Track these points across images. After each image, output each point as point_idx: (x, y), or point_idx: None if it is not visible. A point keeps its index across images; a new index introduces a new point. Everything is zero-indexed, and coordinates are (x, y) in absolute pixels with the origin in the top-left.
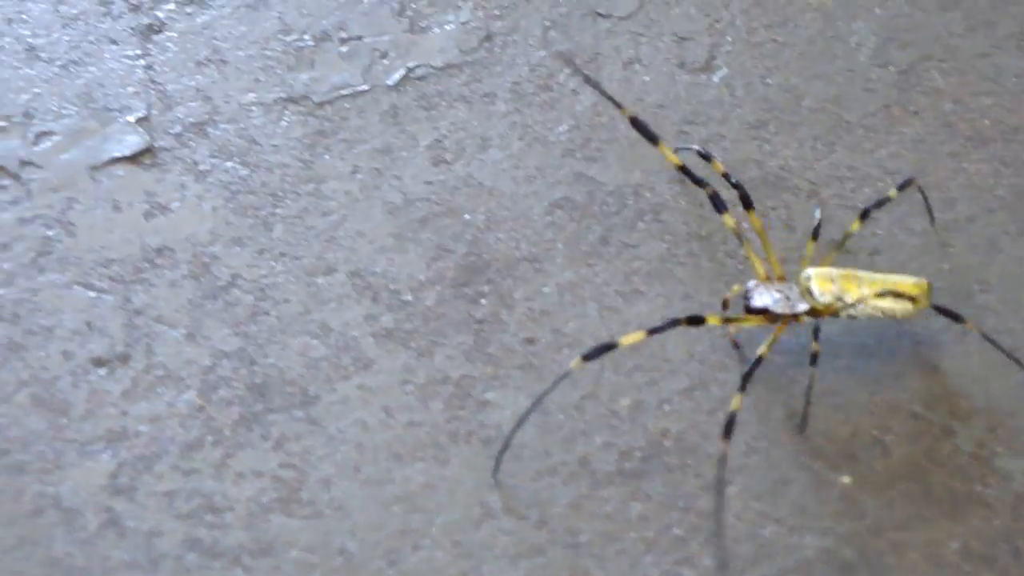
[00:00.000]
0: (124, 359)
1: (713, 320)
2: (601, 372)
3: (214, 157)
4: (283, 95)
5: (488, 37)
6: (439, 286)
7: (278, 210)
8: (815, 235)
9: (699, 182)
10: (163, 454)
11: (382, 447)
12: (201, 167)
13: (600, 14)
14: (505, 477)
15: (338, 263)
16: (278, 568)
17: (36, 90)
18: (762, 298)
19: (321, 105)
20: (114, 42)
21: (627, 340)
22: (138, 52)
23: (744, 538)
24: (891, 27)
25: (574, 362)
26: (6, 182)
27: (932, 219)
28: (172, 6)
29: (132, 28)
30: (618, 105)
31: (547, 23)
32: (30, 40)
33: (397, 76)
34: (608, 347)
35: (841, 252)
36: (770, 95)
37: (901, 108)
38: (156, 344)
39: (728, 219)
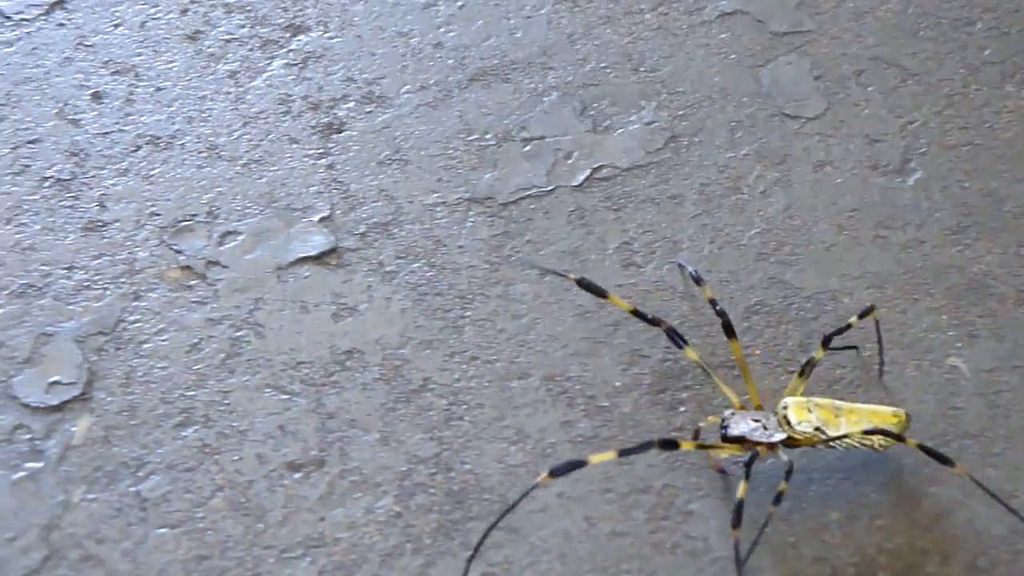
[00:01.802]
0: (319, 464)
1: (688, 446)
2: (808, 484)
3: (400, 258)
4: (467, 195)
5: (673, 138)
6: (636, 392)
7: (467, 312)
8: (802, 373)
9: (654, 322)
10: (363, 562)
11: (586, 558)
12: (387, 268)
13: (788, 115)
14: None
15: (531, 367)
16: None
17: (219, 189)
18: (738, 427)
19: (506, 206)
20: (295, 141)
21: (596, 459)
22: (319, 151)
23: None
24: None
25: (541, 477)
26: (193, 282)
27: (880, 352)
28: (352, 105)
29: (312, 127)
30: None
31: (733, 124)
32: (211, 139)
33: (582, 177)
34: (577, 464)
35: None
36: (969, 199)
37: None
38: (350, 448)
39: (690, 352)
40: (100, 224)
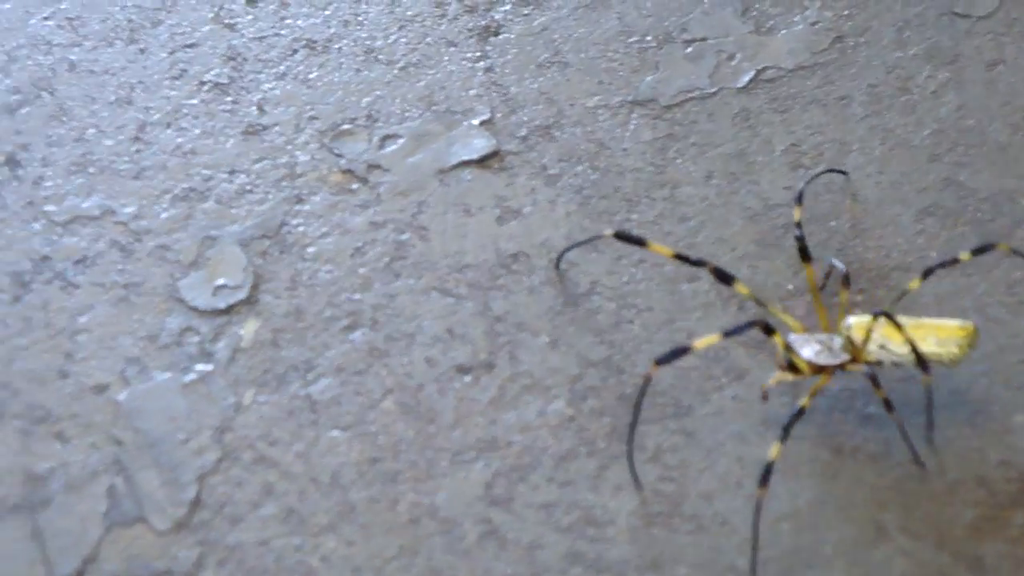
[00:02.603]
0: (489, 367)
1: (779, 339)
2: (990, 387)
3: (563, 161)
4: (629, 98)
5: (839, 38)
6: (808, 296)
7: (633, 215)
8: (847, 284)
9: (698, 263)
10: (537, 465)
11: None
12: (550, 171)
13: (958, 13)
14: (897, 495)
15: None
16: None
17: (377, 92)
18: (803, 350)
19: (669, 108)
20: (452, 44)
21: (701, 343)
22: (477, 54)
23: None
24: None
25: (650, 368)
26: (355, 186)
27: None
28: (508, 7)
29: (469, 30)
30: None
31: (900, 23)
32: (368, 43)
33: (746, 78)
34: (682, 351)
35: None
36: None
37: None
38: (520, 352)
39: (740, 287)
40: (260, 128)
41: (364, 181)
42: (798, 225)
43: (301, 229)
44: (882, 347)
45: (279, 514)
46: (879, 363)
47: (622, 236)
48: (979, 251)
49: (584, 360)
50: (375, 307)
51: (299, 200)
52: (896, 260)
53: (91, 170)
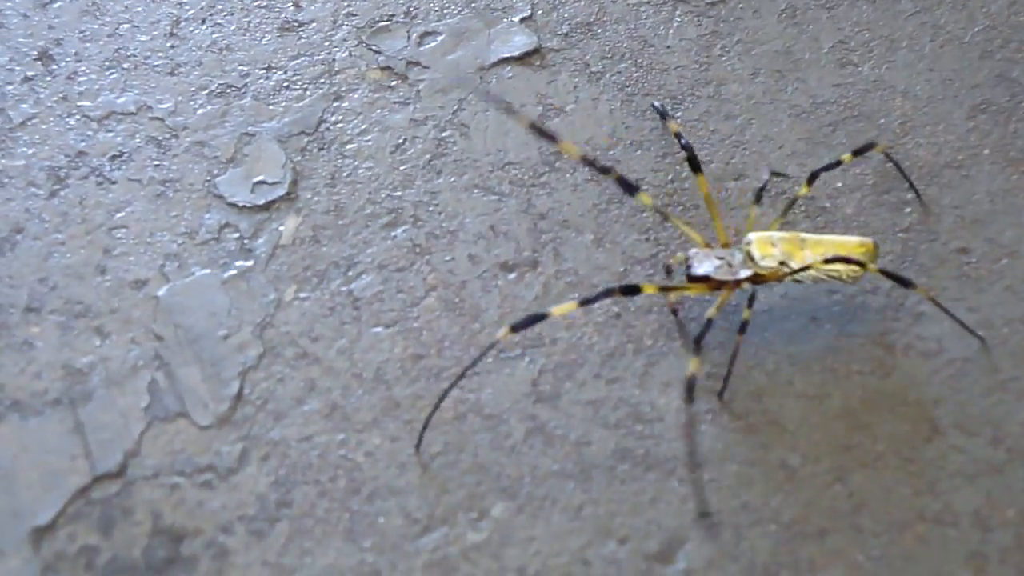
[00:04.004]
0: (533, 264)
1: (649, 289)
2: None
3: (606, 58)
4: None
5: None
6: (858, 193)
7: (678, 113)
8: (758, 199)
9: (604, 170)
10: (584, 362)
11: (814, 358)
12: (593, 68)
13: None
14: (950, 392)
15: (747, 168)
16: (716, 481)
17: None
18: (703, 266)
19: (713, 5)
20: None
21: (559, 310)
22: None
23: None
24: None
25: (502, 332)
26: (394, 82)
27: (911, 185)
28: None
29: None
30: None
31: None
32: None
33: None
34: (538, 317)
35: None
36: None
37: None
38: (564, 249)
39: (644, 198)
40: (296, 24)
41: (403, 78)
42: (677, 136)
43: (340, 126)
44: (782, 264)
45: (322, 410)
46: (779, 280)
47: (535, 129)
48: (858, 152)
49: (629, 257)
50: (416, 204)
51: (338, 97)
52: (947, 157)
53: (125, 65)
